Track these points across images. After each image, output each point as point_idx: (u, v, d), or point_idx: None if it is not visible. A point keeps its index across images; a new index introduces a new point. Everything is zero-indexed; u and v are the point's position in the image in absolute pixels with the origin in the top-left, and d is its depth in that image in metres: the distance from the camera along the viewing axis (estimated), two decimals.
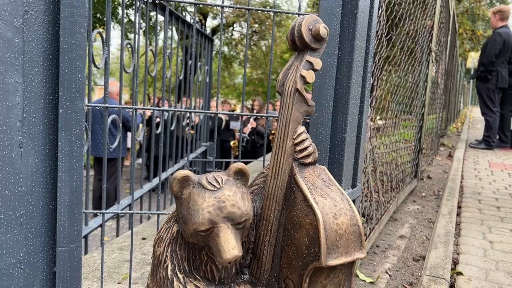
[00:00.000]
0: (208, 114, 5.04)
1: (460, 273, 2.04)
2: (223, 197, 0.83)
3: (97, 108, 5.49)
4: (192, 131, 4.32)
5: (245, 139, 7.84)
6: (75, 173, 1.14)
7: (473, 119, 13.75)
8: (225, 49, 18.79)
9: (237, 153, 7.68)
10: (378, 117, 2.71)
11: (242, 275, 0.99)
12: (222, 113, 1.53)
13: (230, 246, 0.81)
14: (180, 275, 0.91)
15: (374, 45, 1.87)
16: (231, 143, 8.04)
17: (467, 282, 1.95)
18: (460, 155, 5.75)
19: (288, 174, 0.98)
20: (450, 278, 1.99)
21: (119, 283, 1.57)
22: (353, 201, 1.44)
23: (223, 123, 8.15)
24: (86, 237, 2.06)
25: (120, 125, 2.27)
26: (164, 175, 3.36)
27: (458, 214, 3.14)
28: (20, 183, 1.07)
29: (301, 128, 0.99)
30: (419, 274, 1.93)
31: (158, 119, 5.23)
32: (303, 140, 0.98)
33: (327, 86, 1.22)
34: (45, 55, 1.09)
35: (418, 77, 3.48)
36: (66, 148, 1.12)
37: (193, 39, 1.64)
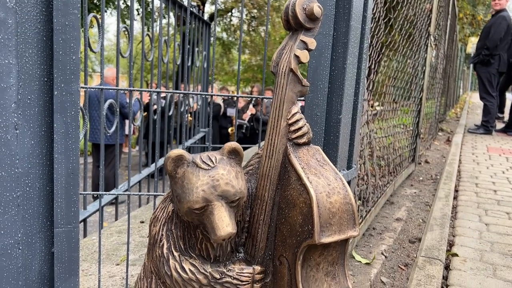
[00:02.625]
0: (206, 101, 5.03)
1: (455, 254, 2.06)
2: (217, 175, 0.83)
3: (94, 94, 5.49)
4: (190, 118, 4.32)
5: (245, 125, 7.83)
6: (71, 154, 1.14)
7: (473, 104, 13.74)
8: (224, 35, 18.66)
9: (235, 140, 7.67)
10: (376, 103, 2.71)
11: (237, 254, 1.00)
12: (218, 95, 1.53)
13: (224, 223, 0.82)
14: (175, 253, 0.93)
15: (371, 27, 1.86)
16: (229, 129, 8.04)
17: (462, 263, 1.97)
18: (458, 140, 5.76)
19: (282, 154, 0.99)
20: (446, 259, 2.02)
21: (118, 264, 1.59)
22: (349, 182, 1.45)
23: (221, 110, 8.14)
24: (85, 220, 2.07)
25: (118, 109, 2.27)
26: (161, 161, 3.37)
27: (455, 198, 3.16)
28: (16, 165, 1.08)
29: (295, 108, 0.99)
30: (415, 255, 1.95)
31: (156, 106, 5.22)
32: (297, 120, 0.98)
33: (322, 67, 1.22)
34: (39, 37, 1.08)
35: (416, 61, 3.47)
36: (61, 130, 1.13)
37: (187, 22, 1.63)
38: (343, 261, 1.00)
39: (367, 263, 1.76)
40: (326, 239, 0.90)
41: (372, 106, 2.94)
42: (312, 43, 0.98)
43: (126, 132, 7.63)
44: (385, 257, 1.88)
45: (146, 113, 6.51)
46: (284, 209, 0.97)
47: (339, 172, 1.31)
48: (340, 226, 0.93)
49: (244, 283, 0.95)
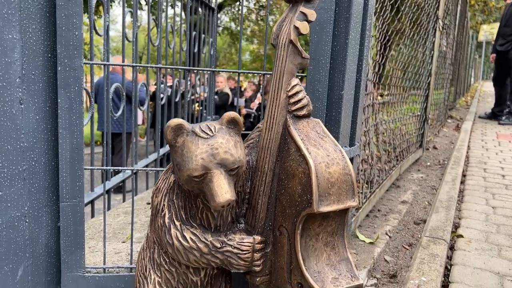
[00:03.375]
0: (214, 91, 5.04)
1: (460, 236, 2.06)
2: (216, 144, 0.84)
3: (102, 82, 5.51)
4: (198, 107, 4.33)
5: (253, 114, 7.82)
6: (75, 130, 1.16)
7: (484, 93, 13.56)
8: (232, 24, 18.58)
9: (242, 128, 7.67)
10: (385, 92, 2.70)
11: (238, 224, 1.02)
12: (219, 70, 1.53)
13: (223, 190, 0.83)
14: (177, 223, 0.94)
15: (376, 8, 1.85)
16: None
17: (467, 244, 1.97)
18: (467, 127, 5.71)
19: (282, 126, 1.00)
20: (451, 240, 2.02)
21: (123, 242, 1.62)
22: (351, 159, 1.45)
23: (229, 99, 8.13)
24: (92, 202, 2.11)
25: (124, 94, 2.29)
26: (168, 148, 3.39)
27: (462, 182, 3.14)
28: (21, 139, 1.10)
29: (295, 81, 1.00)
30: (419, 236, 1.95)
31: (162, 95, 5.24)
32: (297, 92, 0.99)
33: (324, 42, 1.22)
34: (42, 12, 1.10)
35: (424, 45, 3.43)
36: (65, 105, 1.14)
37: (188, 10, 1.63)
38: (343, 232, 1.01)
39: (370, 243, 1.76)
40: (324, 208, 0.91)
41: (381, 96, 2.94)
42: (312, 14, 0.98)
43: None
44: (389, 237, 1.88)
45: (152, 102, 6.54)
46: (284, 180, 0.98)
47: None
48: (339, 196, 0.94)
49: (244, 252, 0.96)
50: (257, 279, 1.02)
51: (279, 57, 0.99)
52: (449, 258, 1.84)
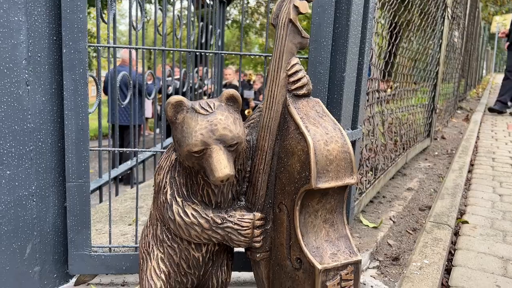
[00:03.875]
0: (222, 84, 5.06)
1: (465, 222, 2.06)
2: (215, 120, 0.86)
3: (110, 76, 5.55)
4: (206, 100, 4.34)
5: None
6: (81, 111, 1.19)
7: (496, 85, 13.38)
8: (241, 18, 18.52)
9: None
10: (393, 83, 2.69)
11: (238, 202, 1.04)
12: (224, 53, 1.54)
13: (222, 165, 0.85)
14: (178, 199, 0.96)
15: None
16: (246, 112, 8.05)
17: (472, 230, 1.97)
18: (477, 118, 5.66)
19: (281, 105, 1.01)
20: (456, 226, 2.02)
21: (129, 224, 1.65)
22: (353, 142, 1.46)
23: (238, 92, 8.12)
24: (100, 188, 2.14)
25: (131, 82, 2.31)
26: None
27: (470, 171, 3.13)
28: (28, 120, 1.13)
29: (295, 60, 1.01)
30: (424, 222, 1.96)
31: (170, 88, 5.26)
32: (296, 71, 1.00)
33: (325, 24, 1.23)
34: None
35: (432, 34, 3.40)
36: (71, 87, 1.17)
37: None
38: (342, 209, 1.02)
39: (374, 227, 1.77)
40: (322, 185, 0.93)
41: (391, 88, 2.93)
42: None
43: (147, 115, 7.72)
44: (393, 222, 1.89)
45: (160, 95, 6.57)
46: (283, 158, 0.99)
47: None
48: (337, 173, 0.95)
49: (244, 228, 0.98)
50: (258, 255, 1.04)
51: (279, 37, 1.00)
52: (454, 243, 1.84)
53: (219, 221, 0.97)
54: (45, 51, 1.14)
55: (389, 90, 3.01)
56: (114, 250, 1.32)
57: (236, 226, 0.98)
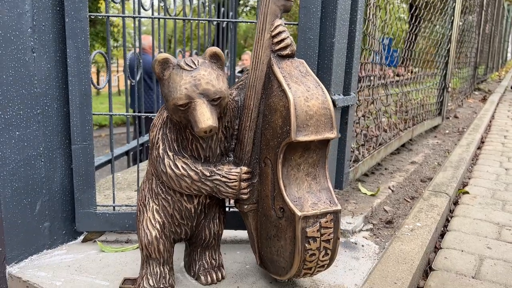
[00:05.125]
0: (239, 69, 5.11)
1: (466, 192, 2.08)
2: (198, 75, 0.92)
3: (132, 60, 5.66)
4: None
5: None
6: (84, 77, 1.27)
7: None
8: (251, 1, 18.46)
9: None
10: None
11: (227, 157, 1.11)
12: (230, 21, 1.58)
13: (206, 117, 0.91)
14: (170, 153, 1.04)
15: None
16: None
17: (472, 199, 2.00)
18: (495, 99, 5.57)
19: (266, 65, 1.06)
20: (456, 197, 2.05)
21: (135, 191, 1.74)
22: (346, 108, 1.51)
23: None
24: (111, 161, 2.24)
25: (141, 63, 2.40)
26: None
27: (479, 148, 3.12)
28: (35, 85, 1.22)
29: (278, 21, 1.06)
30: (423, 191, 1.99)
31: None
32: (279, 32, 1.05)
33: None
34: None
35: (443, 10, 3.37)
36: (74, 55, 1.25)
37: None
38: (324, 164, 1.08)
39: (372, 195, 1.82)
40: (302, 138, 0.98)
41: (411, 72, 2.94)
42: None
43: None
44: (392, 191, 1.93)
45: None
46: (268, 115, 1.05)
47: (335, 96, 1.37)
48: (317, 127, 1.01)
49: (231, 180, 1.05)
50: (245, 207, 1.11)
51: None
52: (451, 211, 1.88)
53: (208, 174, 1.04)
54: (49, 20, 1.22)
55: (408, 74, 3.03)
56: (117, 208, 1.41)
57: (224, 179, 1.05)
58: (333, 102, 1.37)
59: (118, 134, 7.61)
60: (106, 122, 8.73)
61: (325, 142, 1.05)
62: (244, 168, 1.07)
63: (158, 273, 1.10)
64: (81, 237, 1.41)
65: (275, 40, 1.05)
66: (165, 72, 0.95)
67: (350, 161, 1.70)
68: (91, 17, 1.28)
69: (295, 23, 1.31)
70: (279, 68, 1.05)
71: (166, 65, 0.94)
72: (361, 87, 1.86)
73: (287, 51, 1.07)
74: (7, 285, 1.21)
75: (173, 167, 1.03)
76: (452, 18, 3.57)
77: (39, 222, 1.28)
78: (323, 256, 1.04)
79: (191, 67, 0.93)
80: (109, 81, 1.97)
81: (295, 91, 1.00)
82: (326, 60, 1.34)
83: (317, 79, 1.07)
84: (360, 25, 1.49)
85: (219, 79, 0.95)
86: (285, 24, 1.11)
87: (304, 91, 1.01)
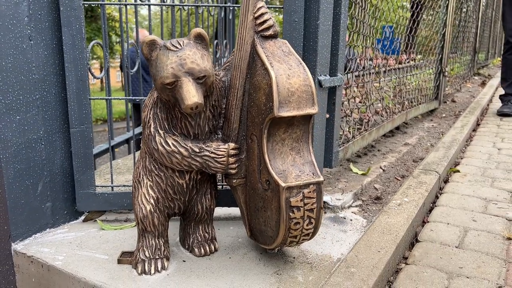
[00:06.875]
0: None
1: (457, 171, 2.14)
2: (184, 55, 0.98)
3: (130, 54, 5.72)
4: None
5: None
6: (79, 63, 1.33)
7: None
8: None
9: None
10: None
11: (215, 135, 1.17)
12: (228, 6, 1.64)
13: (191, 94, 0.97)
14: (161, 131, 1.10)
15: None
16: None
17: (462, 177, 2.05)
18: (494, 83, 5.59)
19: (250, 45, 1.12)
20: (447, 175, 2.10)
21: None
22: (333, 88, 1.56)
23: None
24: (112, 148, 2.32)
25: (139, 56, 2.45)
26: None
27: (475, 130, 3.16)
28: (33, 71, 1.28)
29: (260, 3, 1.11)
30: (414, 170, 2.05)
31: None
32: (262, 14, 1.11)
33: None
34: None
35: None
36: (69, 42, 1.31)
37: None
38: (307, 139, 1.14)
39: (363, 174, 1.88)
40: (285, 113, 1.04)
41: (414, 60, 2.98)
42: None
43: None
44: (383, 170, 1.99)
45: None
46: (252, 94, 1.11)
47: (321, 77, 1.43)
48: (298, 104, 1.06)
49: (220, 156, 1.11)
50: (234, 181, 1.17)
51: None
52: (441, 189, 1.93)
53: (197, 150, 1.10)
54: (44, 9, 1.28)
55: (412, 62, 3.08)
56: (115, 189, 1.48)
57: (212, 155, 1.11)
58: (320, 82, 1.43)
59: (119, 129, 7.72)
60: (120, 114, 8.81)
61: (308, 118, 1.11)
62: (232, 144, 1.13)
63: (154, 245, 1.17)
64: (82, 217, 1.48)
65: (258, 21, 1.11)
66: (152, 53, 1.01)
67: (340, 140, 1.76)
68: (90, 13, 1.33)
69: (280, 6, 1.36)
70: (262, 48, 1.11)
71: (154, 46, 1.00)
72: (349, 69, 1.91)
73: (270, 32, 1.12)
74: (13, 261, 1.29)
75: (164, 144, 1.09)
76: (447, 2, 3.59)
77: (41, 202, 1.35)
78: (307, 225, 1.10)
79: (177, 47, 0.99)
80: (107, 70, 2.03)
81: (277, 69, 1.06)
82: (312, 41, 1.39)
83: (299, 58, 1.13)
84: (345, 8, 1.54)
85: (204, 58, 1.01)
86: (271, 7, 1.16)
87: (286, 69, 1.07)
